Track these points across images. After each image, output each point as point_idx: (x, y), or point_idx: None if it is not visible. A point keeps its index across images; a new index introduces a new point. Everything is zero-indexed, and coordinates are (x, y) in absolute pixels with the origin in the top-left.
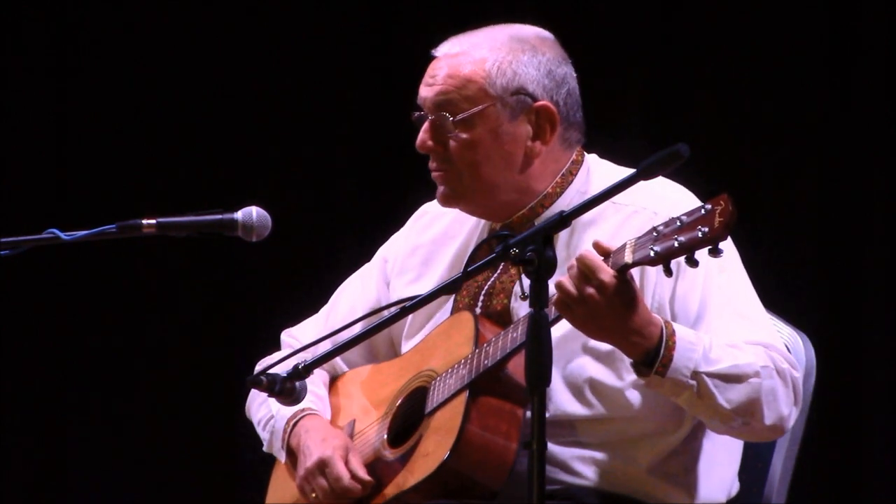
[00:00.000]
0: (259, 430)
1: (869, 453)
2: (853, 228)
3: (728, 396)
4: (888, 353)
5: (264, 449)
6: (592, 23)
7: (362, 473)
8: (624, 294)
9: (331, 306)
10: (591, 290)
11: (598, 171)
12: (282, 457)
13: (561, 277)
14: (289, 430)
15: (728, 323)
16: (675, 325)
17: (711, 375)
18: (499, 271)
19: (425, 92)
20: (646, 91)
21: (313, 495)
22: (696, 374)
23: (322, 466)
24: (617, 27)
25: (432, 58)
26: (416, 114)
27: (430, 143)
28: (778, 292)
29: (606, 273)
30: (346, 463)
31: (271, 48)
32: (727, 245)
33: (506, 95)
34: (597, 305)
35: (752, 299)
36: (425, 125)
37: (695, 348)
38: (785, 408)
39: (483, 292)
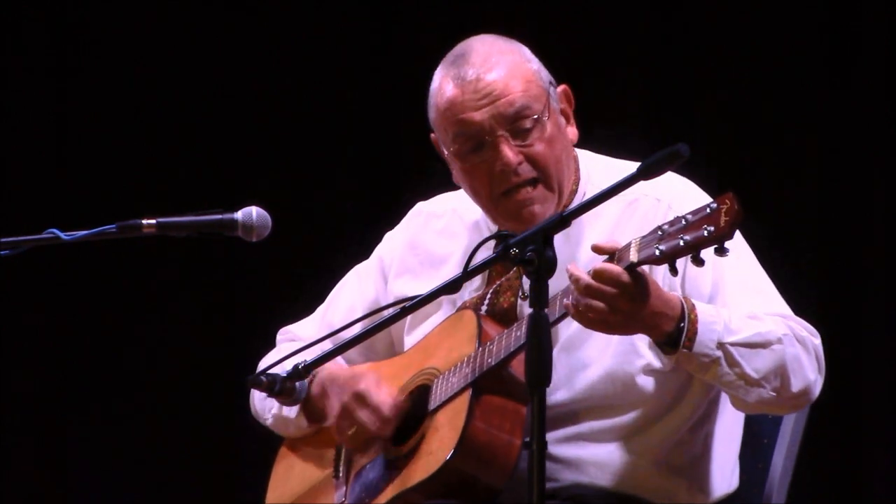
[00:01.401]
0: (265, 412)
1: (869, 453)
2: (853, 228)
3: (755, 365)
4: (888, 353)
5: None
6: (593, 22)
7: (400, 399)
8: (642, 286)
9: (328, 305)
10: (621, 301)
11: (599, 167)
12: (293, 412)
13: (584, 300)
14: (310, 379)
15: (742, 299)
16: (693, 301)
17: (736, 345)
18: (511, 271)
19: (486, 113)
20: (646, 91)
21: (351, 430)
22: (721, 345)
23: (360, 398)
24: (617, 27)
25: (457, 86)
26: (470, 143)
27: (518, 157)
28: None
29: (624, 276)
30: (381, 391)
31: (271, 48)
32: None
33: (549, 88)
34: (626, 309)
35: (761, 275)
36: (499, 144)
37: (716, 320)
38: (811, 373)
39: (490, 290)
